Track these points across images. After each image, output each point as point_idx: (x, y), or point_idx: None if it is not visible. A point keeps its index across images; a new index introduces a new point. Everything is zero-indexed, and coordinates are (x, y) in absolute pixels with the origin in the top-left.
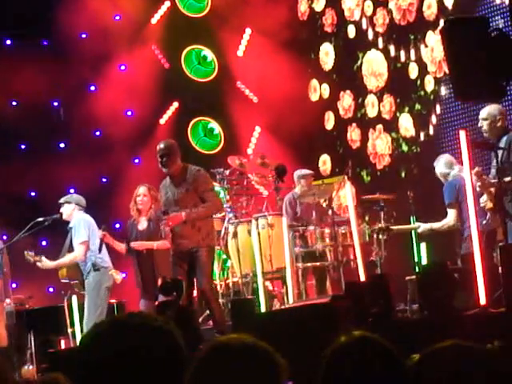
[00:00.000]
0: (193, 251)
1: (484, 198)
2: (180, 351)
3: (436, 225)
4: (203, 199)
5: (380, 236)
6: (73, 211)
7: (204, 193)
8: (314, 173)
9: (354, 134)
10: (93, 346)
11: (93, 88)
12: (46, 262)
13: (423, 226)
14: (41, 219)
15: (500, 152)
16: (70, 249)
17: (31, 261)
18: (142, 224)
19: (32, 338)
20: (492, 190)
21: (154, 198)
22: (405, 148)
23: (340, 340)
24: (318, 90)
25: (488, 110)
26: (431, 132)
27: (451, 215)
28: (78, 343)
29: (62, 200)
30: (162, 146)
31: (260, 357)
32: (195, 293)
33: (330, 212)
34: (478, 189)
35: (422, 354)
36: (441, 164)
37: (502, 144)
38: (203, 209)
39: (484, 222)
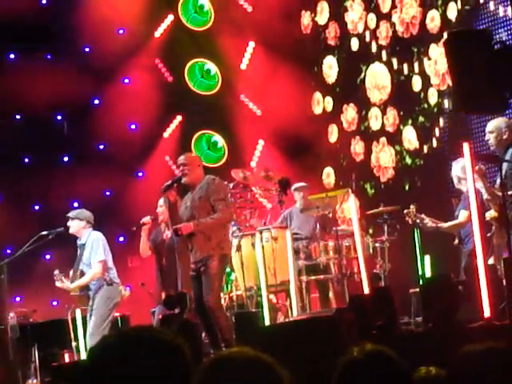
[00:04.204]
0: (203, 261)
1: (490, 212)
2: (188, 367)
3: (445, 224)
4: (214, 208)
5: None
6: (82, 228)
7: (215, 202)
8: (307, 185)
9: (357, 146)
10: (101, 358)
11: (96, 101)
12: (66, 285)
13: (430, 223)
14: (45, 233)
15: (505, 165)
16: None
17: (56, 278)
18: (165, 233)
19: (36, 352)
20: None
21: None
22: (408, 161)
23: (352, 353)
24: (322, 103)
25: (494, 124)
26: (435, 145)
27: (465, 216)
28: (85, 356)
29: (72, 215)
30: (181, 156)
31: (263, 369)
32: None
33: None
34: (485, 196)
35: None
36: (459, 167)
37: (507, 156)
38: (211, 220)
39: (488, 234)
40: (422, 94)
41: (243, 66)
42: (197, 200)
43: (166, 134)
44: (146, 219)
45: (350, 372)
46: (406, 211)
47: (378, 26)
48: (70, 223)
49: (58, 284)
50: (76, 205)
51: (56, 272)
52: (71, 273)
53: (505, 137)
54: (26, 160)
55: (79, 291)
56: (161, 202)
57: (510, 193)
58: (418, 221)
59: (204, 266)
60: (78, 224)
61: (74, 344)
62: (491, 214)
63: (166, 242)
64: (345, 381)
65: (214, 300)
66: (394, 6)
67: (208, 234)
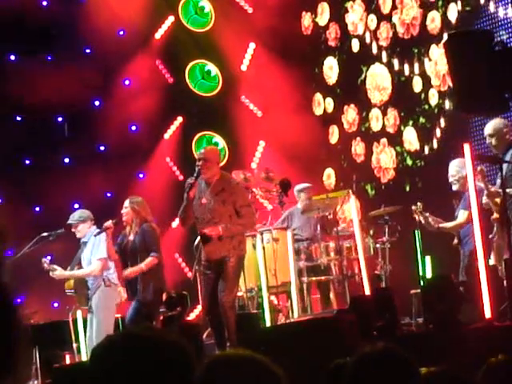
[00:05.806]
0: (223, 260)
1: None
2: (192, 368)
3: (447, 225)
4: (239, 213)
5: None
6: (88, 228)
7: (242, 208)
8: (312, 185)
9: (358, 147)
10: (104, 358)
11: (97, 103)
12: (60, 272)
13: (432, 222)
14: (45, 234)
15: (505, 165)
16: (80, 263)
17: (46, 268)
18: (129, 236)
19: (37, 354)
20: (498, 200)
21: (136, 212)
22: (409, 162)
23: (364, 350)
24: (322, 104)
25: (494, 126)
26: (435, 145)
27: (465, 216)
28: (88, 355)
29: (74, 221)
30: (201, 150)
31: (259, 369)
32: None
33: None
34: (484, 200)
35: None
36: (460, 166)
37: (508, 157)
38: (240, 226)
39: (490, 236)
40: (423, 95)
41: (244, 67)
42: (220, 204)
43: (166, 136)
44: (108, 223)
45: (362, 369)
46: (413, 208)
47: (378, 27)
48: (79, 228)
49: (50, 273)
50: (77, 206)
51: (45, 260)
52: (68, 268)
53: (507, 136)
54: (27, 161)
55: (74, 291)
56: (126, 203)
57: (507, 190)
58: (421, 218)
59: (223, 265)
60: (84, 226)
61: (74, 345)
62: (494, 215)
63: (129, 245)
64: (356, 378)
65: (229, 299)
66: (394, 7)
67: (231, 234)
